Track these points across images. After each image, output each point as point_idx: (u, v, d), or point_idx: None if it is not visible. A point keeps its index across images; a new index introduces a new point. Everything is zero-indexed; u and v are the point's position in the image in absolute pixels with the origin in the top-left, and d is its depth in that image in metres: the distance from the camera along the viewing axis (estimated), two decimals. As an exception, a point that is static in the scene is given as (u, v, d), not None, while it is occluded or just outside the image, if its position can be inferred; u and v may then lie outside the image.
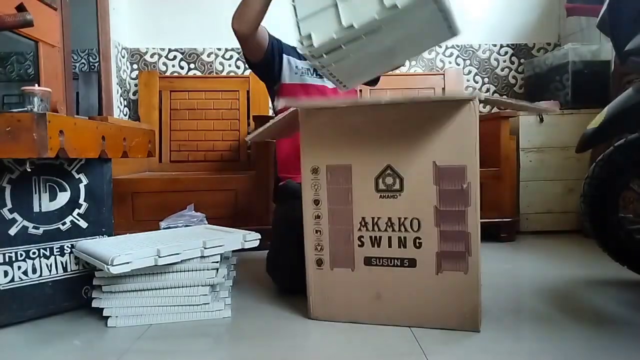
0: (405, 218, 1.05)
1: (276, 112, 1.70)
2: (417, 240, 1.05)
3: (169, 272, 1.17)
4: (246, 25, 1.45)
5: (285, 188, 1.50)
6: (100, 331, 1.12)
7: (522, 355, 0.95)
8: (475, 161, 1.00)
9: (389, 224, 1.07)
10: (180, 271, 1.18)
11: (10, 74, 1.87)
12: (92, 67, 2.30)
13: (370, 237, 1.08)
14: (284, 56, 1.61)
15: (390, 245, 1.07)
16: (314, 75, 1.60)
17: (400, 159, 1.05)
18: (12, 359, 0.99)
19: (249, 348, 1.02)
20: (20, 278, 1.17)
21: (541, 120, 2.22)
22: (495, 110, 2.78)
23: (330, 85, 1.62)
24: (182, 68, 2.69)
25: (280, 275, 1.39)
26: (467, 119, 0.99)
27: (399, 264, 1.06)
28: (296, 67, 1.59)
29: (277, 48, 1.60)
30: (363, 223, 1.08)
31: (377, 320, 1.09)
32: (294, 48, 1.64)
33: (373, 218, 1.07)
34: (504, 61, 2.79)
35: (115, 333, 1.11)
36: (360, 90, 2.41)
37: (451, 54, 2.77)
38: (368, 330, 1.06)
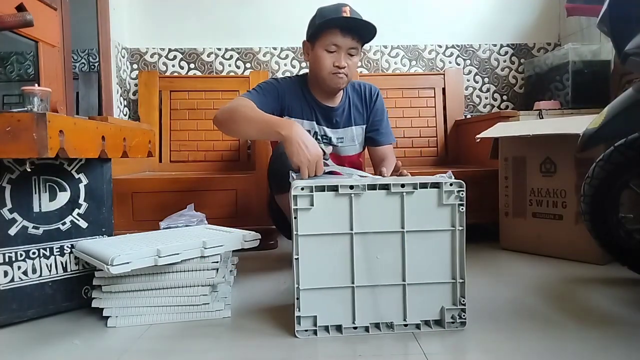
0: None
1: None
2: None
3: (169, 272, 1.17)
4: (232, 135, 1.52)
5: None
6: (100, 331, 1.12)
7: (522, 355, 0.95)
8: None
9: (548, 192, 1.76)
10: (180, 271, 1.18)
11: (10, 74, 1.87)
12: (92, 67, 2.30)
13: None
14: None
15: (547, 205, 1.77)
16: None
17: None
18: (12, 359, 0.99)
19: (249, 348, 1.02)
20: (20, 278, 1.17)
21: (541, 119, 2.22)
22: (495, 110, 2.79)
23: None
24: (182, 68, 2.69)
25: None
26: None
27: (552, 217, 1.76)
28: None
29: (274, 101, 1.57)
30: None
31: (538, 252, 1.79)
32: (308, 103, 1.61)
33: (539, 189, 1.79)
34: (504, 61, 2.79)
35: (115, 333, 1.11)
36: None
37: (451, 54, 2.77)
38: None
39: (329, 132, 1.62)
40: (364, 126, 1.69)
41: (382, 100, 1.71)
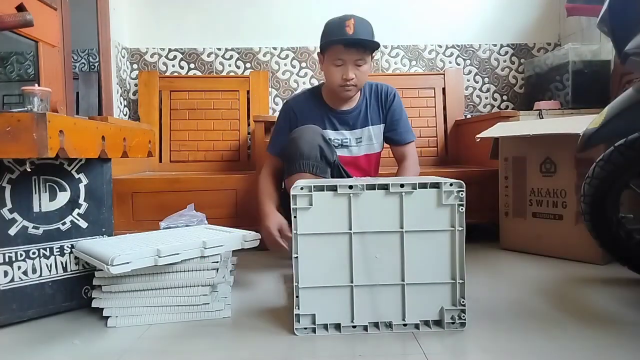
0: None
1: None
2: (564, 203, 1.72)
3: (169, 272, 1.17)
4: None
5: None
6: (100, 331, 1.12)
7: (522, 355, 0.95)
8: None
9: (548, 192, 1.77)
10: (180, 271, 1.18)
11: (10, 74, 1.87)
12: (92, 67, 2.30)
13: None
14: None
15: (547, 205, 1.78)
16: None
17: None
18: (12, 359, 0.99)
19: (249, 348, 1.02)
20: (20, 278, 1.17)
21: (541, 119, 2.22)
22: (495, 110, 2.79)
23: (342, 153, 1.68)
24: (182, 68, 2.69)
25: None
26: None
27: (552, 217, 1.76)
28: None
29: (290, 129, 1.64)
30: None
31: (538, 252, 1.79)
32: (321, 107, 1.67)
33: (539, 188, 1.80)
34: (504, 61, 2.79)
35: (115, 333, 1.11)
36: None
37: (451, 54, 2.77)
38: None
39: (347, 134, 1.69)
40: (381, 126, 1.74)
41: (400, 100, 1.77)
